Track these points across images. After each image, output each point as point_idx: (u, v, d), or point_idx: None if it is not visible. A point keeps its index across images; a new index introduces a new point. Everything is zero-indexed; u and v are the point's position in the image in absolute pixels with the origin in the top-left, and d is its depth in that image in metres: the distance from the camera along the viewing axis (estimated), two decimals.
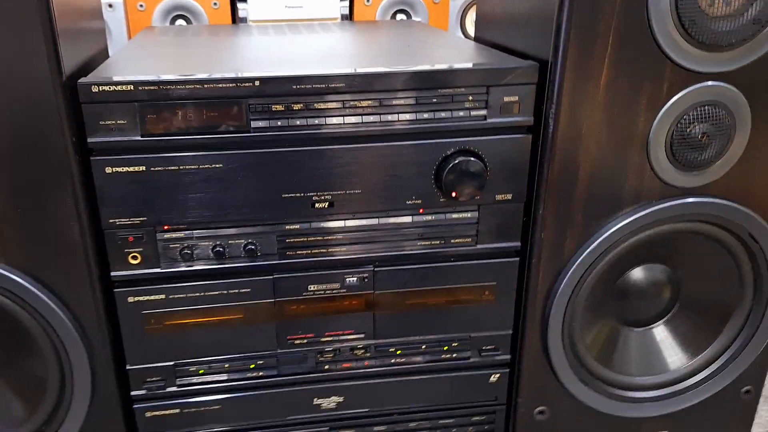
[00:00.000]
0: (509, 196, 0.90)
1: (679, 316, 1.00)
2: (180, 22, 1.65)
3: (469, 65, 0.85)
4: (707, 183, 0.89)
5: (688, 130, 0.85)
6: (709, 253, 0.95)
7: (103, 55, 1.02)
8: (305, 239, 0.88)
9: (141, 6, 1.61)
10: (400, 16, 1.74)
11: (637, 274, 0.98)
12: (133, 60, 0.94)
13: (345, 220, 0.88)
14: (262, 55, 0.99)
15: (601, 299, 0.96)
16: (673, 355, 1.01)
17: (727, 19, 0.79)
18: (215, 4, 1.65)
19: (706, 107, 0.84)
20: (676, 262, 0.97)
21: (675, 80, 0.83)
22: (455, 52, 1.00)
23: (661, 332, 1.01)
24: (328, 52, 1.02)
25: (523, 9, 0.93)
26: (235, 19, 1.68)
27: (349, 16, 1.70)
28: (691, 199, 0.89)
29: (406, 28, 1.29)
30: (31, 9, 0.71)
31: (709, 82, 0.84)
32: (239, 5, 1.66)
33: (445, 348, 0.97)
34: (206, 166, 0.82)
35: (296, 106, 0.81)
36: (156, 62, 0.95)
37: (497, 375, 0.99)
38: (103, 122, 0.78)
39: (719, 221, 0.91)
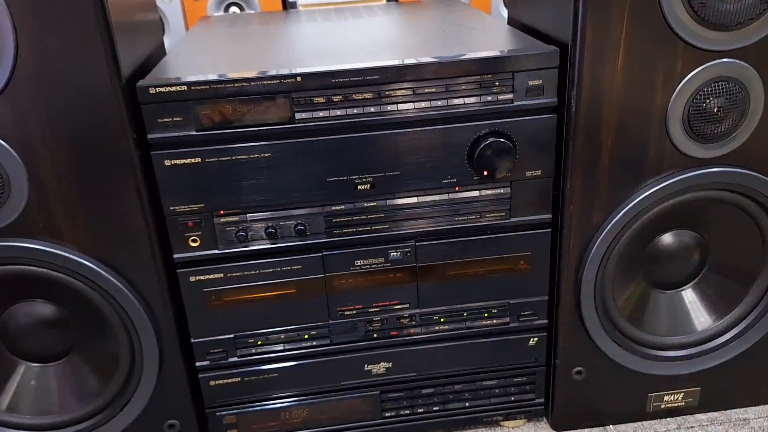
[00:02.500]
0: (538, 172, 0.93)
1: (707, 279, 1.02)
2: (233, 9, 1.68)
3: (495, 53, 0.88)
4: (726, 153, 0.91)
5: (703, 105, 0.87)
6: (733, 219, 0.96)
7: (160, 49, 1.07)
8: (350, 218, 0.92)
9: None
10: None
11: (666, 239, 1.00)
12: (187, 57, 0.99)
13: (386, 199, 0.92)
14: (306, 47, 1.03)
15: (631, 264, 0.99)
16: (701, 317, 1.03)
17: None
18: None
19: (720, 83, 0.86)
20: (702, 228, 0.99)
21: (688, 59, 0.84)
22: (487, 36, 1.02)
23: (689, 295, 1.03)
24: (367, 41, 1.05)
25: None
26: (286, 4, 1.70)
27: None
28: (710, 169, 0.91)
29: (445, 9, 1.31)
30: (89, 22, 0.76)
31: (721, 60, 0.85)
32: None
33: (485, 314, 1.00)
34: (256, 155, 0.86)
35: (336, 98, 0.85)
36: (208, 58, 1.00)
37: (535, 338, 1.03)
38: (161, 119, 0.83)
39: (739, 189, 0.92)
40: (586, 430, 1.08)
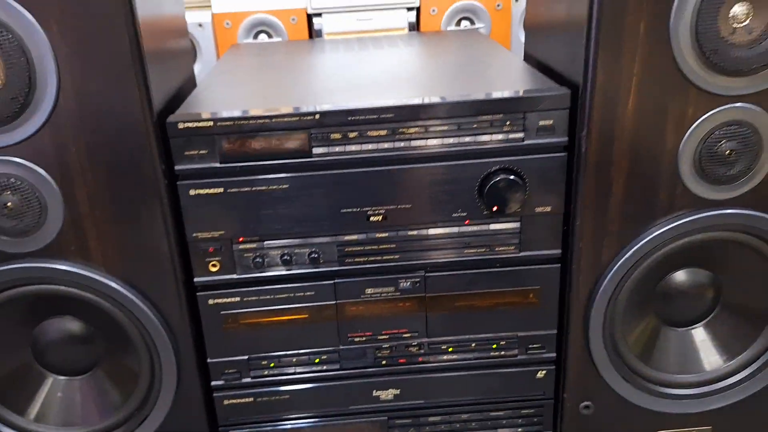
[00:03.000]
0: (548, 209, 0.95)
1: (719, 319, 1.02)
2: (262, 36, 1.75)
3: (507, 94, 0.91)
4: (739, 195, 0.91)
5: (715, 149, 0.88)
6: (746, 259, 0.96)
7: (191, 77, 1.13)
8: (362, 248, 0.96)
9: (227, 24, 1.73)
10: (464, 23, 1.78)
11: (679, 277, 1.00)
12: (215, 91, 1.05)
13: (397, 231, 0.95)
14: (327, 81, 1.07)
15: (642, 300, 1.00)
16: (712, 356, 1.03)
17: (748, 46, 0.82)
18: (293, 19, 1.74)
19: (732, 127, 0.87)
20: (716, 268, 0.99)
21: (700, 103, 0.86)
22: (502, 73, 1.05)
23: (700, 333, 1.03)
24: (386, 76, 1.08)
25: (559, 34, 0.97)
26: (311, 32, 1.76)
27: (416, 25, 1.75)
28: (722, 211, 0.91)
29: (465, 42, 1.34)
30: (126, 63, 0.82)
31: (734, 105, 0.86)
32: (315, 20, 1.74)
33: (494, 346, 1.02)
34: (275, 187, 0.91)
35: (351, 135, 0.89)
36: (235, 92, 1.05)
37: (543, 372, 1.04)
38: (188, 152, 0.88)
39: (752, 230, 0.93)
40: None
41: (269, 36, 1.74)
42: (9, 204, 0.85)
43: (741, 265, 0.97)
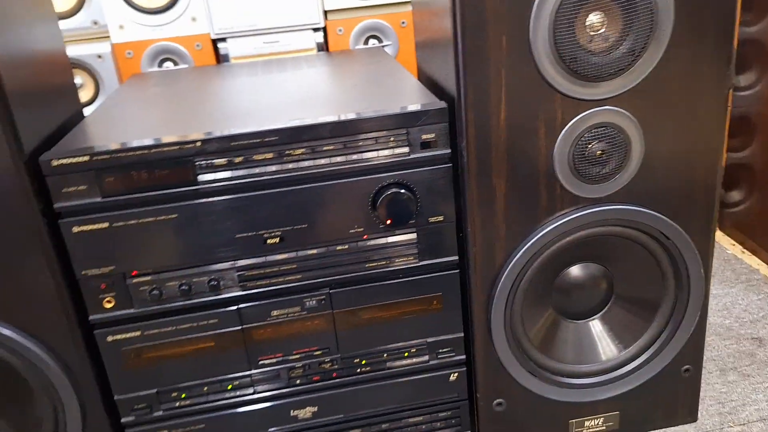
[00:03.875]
0: (441, 218, 0.95)
1: (614, 309, 1.05)
2: (168, 64, 1.70)
3: (388, 111, 0.90)
4: (616, 191, 0.93)
5: (586, 150, 0.89)
6: (632, 251, 0.99)
7: (77, 113, 1.08)
8: (262, 271, 0.94)
9: (129, 54, 1.67)
10: (372, 41, 1.78)
11: (574, 272, 1.02)
12: (101, 124, 1.01)
13: (296, 251, 0.94)
14: (218, 109, 1.04)
15: (540, 296, 1.01)
16: (608, 346, 1.05)
17: (606, 52, 0.83)
18: (198, 45, 1.70)
19: (599, 129, 0.89)
20: (606, 261, 1.01)
21: (566, 109, 0.87)
22: (393, 90, 1.05)
23: (597, 325, 1.06)
24: (281, 98, 1.06)
25: (437, 50, 0.98)
26: (218, 57, 1.72)
27: (324, 45, 1.73)
28: (600, 207, 0.93)
29: (367, 60, 1.34)
30: None
31: (598, 108, 0.88)
32: (220, 45, 1.70)
33: (405, 354, 1.02)
34: (163, 217, 0.88)
35: (237, 159, 0.88)
36: (121, 124, 1.01)
37: (455, 374, 1.05)
38: (66, 189, 0.85)
39: (632, 224, 0.95)
40: None
41: (175, 63, 1.70)
42: None
43: (628, 257, 1.00)
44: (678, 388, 1.09)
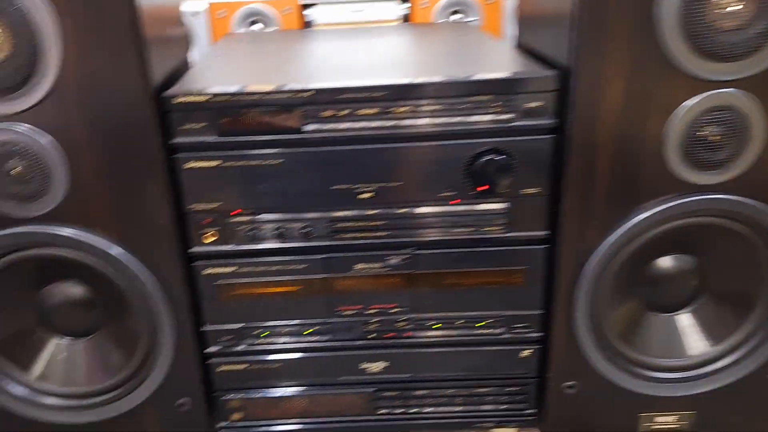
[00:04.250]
0: (535, 190, 0.95)
1: (704, 305, 1.02)
2: (256, 26, 1.76)
3: (496, 75, 0.91)
4: (725, 180, 0.90)
5: (701, 134, 0.87)
6: (732, 245, 0.96)
7: (185, 61, 1.15)
8: (352, 224, 0.97)
9: (221, 13, 1.75)
10: (455, 17, 1.78)
11: (664, 262, 1.00)
12: (211, 70, 1.07)
13: (386, 208, 0.96)
14: (320, 64, 1.09)
15: (627, 284, 0.99)
16: (696, 341, 1.02)
17: (735, 32, 0.81)
18: (288, 9, 1.75)
19: (718, 112, 0.86)
20: (701, 253, 0.99)
21: (685, 88, 0.85)
22: (493, 59, 1.06)
23: (685, 319, 1.03)
24: (377, 60, 1.10)
25: (548, 21, 0.97)
26: (303, 23, 1.77)
27: (407, 18, 1.75)
28: (707, 196, 0.91)
29: (456, 32, 1.35)
30: (126, 37, 0.84)
31: (720, 90, 0.85)
32: (306, 11, 1.75)
33: (479, 324, 1.03)
34: (269, 162, 0.93)
35: (342, 112, 0.91)
36: (230, 72, 1.07)
37: (528, 351, 1.05)
38: (184, 126, 0.91)
39: (738, 216, 0.92)
40: None
41: (263, 26, 1.76)
42: (15, 170, 0.88)
43: (726, 251, 0.97)
44: (761, 395, 1.04)
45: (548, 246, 0.99)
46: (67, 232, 0.92)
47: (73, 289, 0.99)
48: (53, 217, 0.92)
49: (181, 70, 1.07)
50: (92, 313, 1.00)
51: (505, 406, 1.09)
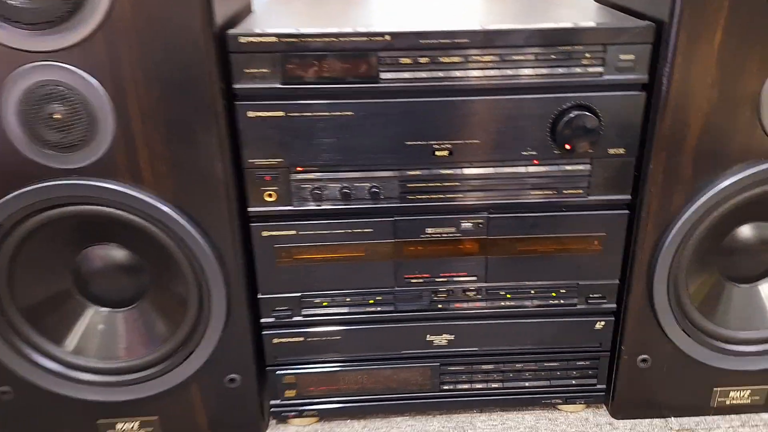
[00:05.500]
0: (621, 151, 0.88)
1: None
2: None
3: (589, 24, 0.83)
4: None
5: None
6: None
7: (247, 9, 1.05)
8: (425, 185, 0.88)
9: None
10: None
11: (745, 231, 0.94)
12: (276, 15, 0.97)
13: (462, 168, 0.88)
14: (395, 10, 0.99)
15: (707, 253, 0.93)
16: None
17: None
18: None
19: None
20: None
21: None
22: (576, 11, 0.97)
23: (766, 289, 0.97)
24: (457, 7, 1.01)
25: None
26: None
27: None
28: None
29: None
30: None
31: None
32: None
33: (553, 294, 0.96)
34: (338, 113, 0.83)
35: (422, 60, 0.82)
36: (296, 17, 0.97)
37: (602, 322, 0.98)
38: (248, 70, 0.80)
39: None
40: (646, 420, 1.03)
41: None
42: (56, 114, 0.77)
43: None
44: None
45: (630, 211, 0.92)
46: (111, 186, 0.81)
47: (115, 253, 0.89)
48: (96, 169, 0.81)
49: (243, 14, 0.96)
50: (135, 279, 0.90)
51: (574, 382, 1.02)
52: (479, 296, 0.95)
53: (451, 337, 0.97)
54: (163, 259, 0.87)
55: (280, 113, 0.83)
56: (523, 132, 0.86)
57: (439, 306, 0.96)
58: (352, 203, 0.89)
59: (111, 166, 0.81)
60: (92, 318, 0.92)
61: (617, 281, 0.96)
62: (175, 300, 0.89)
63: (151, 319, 0.91)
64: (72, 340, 0.91)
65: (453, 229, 0.91)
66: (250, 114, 0.82)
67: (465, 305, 0.96)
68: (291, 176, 0.87)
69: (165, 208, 0.83)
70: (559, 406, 1.04)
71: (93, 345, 0.91)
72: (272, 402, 0.99)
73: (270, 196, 0.87)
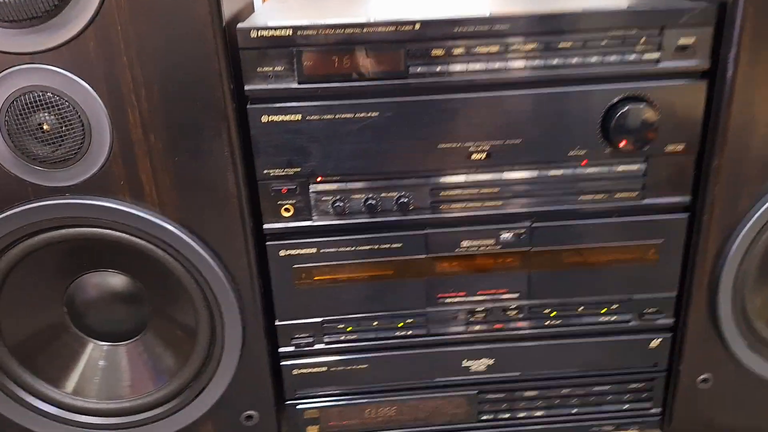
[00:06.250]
0: (680, 147, 0.78)
1: None
2: None
3: (644, 4, 0.73)
4: None
5: None
6: None
7: (250, 7, 0.95)
8: (460, 192, 0.79)
9: None
10: None
11: None
12: (282, 11, 0.87)
13: (502, 171, 0.78)
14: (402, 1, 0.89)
15: None
16: None
17: None
18: None
19: None
20: None
21: None
22: None
23: None
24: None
25: None
26: None
27: None
28: None
29: None
30: None
31: None
32: None
33: (603, 311, 0.86)
34: (362, 114, 0.74)
35: (456, 51, 0.72)
36: (310, 10, 0.87)
37: (659, 340, 0.88)
38: (260, 69, 0.71)
39: None
40: None
41: None
42: (44, 125, 0.68)
43: None
44: None
45: (690, 214, 0.82)
46: (108, 204, 0.72)
47: (113, 280, 0.79)
48: (91, 186, 0.72)
49: (246, 12, 0.86)
50: (137, 308, 0.80)
51: (626, 406, 0.91)
52: (521, 315, 0.85)
53: (491, 362, 0.87)
54: (168, 286, 0.77)
55: (297, 116, 0.73)
56: (571, 129, 0.76)
57: (477, 328, 0.85)
58: (379, 216, 0.79)
59: (108, 181, 0.72)
60: (92, 354, 0.82)
61: (675, 294, 0.86)
62: (183, 330, 0.80)
63: (157, 353, 0.81)
64: (70, 380, 0.81)
65: (492, 241, 0.81)
66: (264, 119, 0.73)
67: (505, 326, 0.86)
68: (310, 187, 0.77)
69: (170, 227, 0.73)
70: None
71: (93, 384, 0.81)
72: None
73: (287, 210, 0.77)
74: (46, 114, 0.67)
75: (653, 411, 0.92)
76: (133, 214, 0.72)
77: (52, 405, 0.80)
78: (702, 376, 0.88)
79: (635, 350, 0.88)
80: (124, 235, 0.73)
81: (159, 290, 0.79)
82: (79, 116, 0.68)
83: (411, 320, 0.84)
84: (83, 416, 0.80)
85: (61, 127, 0.68)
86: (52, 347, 0.80)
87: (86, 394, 0.81)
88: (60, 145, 0.69)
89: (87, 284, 0.79)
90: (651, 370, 0.90)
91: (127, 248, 0.74)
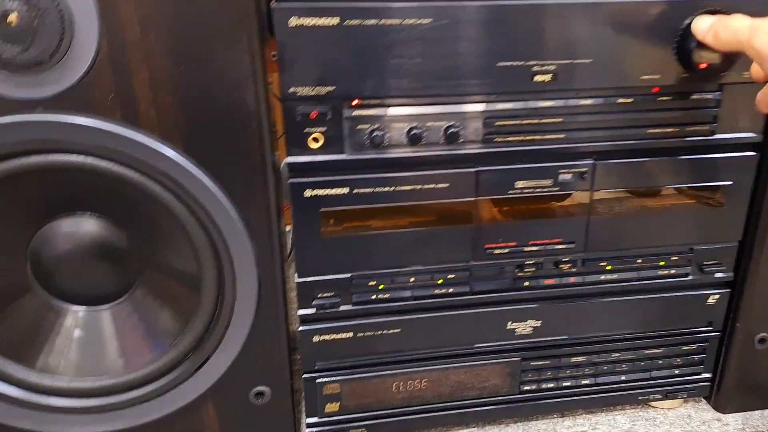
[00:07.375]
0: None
1: None
2: None
3: None
4: None
5: None
6: None
7: None
8: (518, 122, 0.67)
9: None
10: None
11: None
12: None
13: (568, 98, 0.67)
14: None
15: None
16: None
17: None
18: None
19: None
20: None
21: None
22: None
23: None
24: None
25: None
26: None
27: None
28: None
29: None
30: None
31: None
32: None
33: (662, 263, 0.76)
34: (412, 20, 0.61)
35: None
36: None
37: (716, 296, 0.79)
38: None
39: None
40: (757, 413, 0.85)
41: None
42: (10, 16, 0.51)
43: None
44: None
45: (761, 153, 0.73)
46: (92, 124, 0.56)
47: (91, 226, 0.62)
48: (69, 100, 0.55)
49: None
50: (124, 261, 0.64)
51: (677, 371, 0.83)
52: (574, 269, 0.75)
53: (537, 324, 0.76)
54: (164, 229, 0.61)
55: (334, 20, 0.59)
56: (645, 48, 0.66)
57: (525, 284, 0.74)
58: (423, 149, 0.66)
59: (92, 94, 0.55)
60: (66, 322, 0.65)
61: (737, 243, 0.77)
62: (182, 287, 0.64)
63: (149, 316, 0.65)
64: (36, 354, 0.64)
65: (549, 182, 0.70)
66: (294, 22, 0.58)
67: (557, 281, 0.75)
68: (344, 112, 0.63)
69: (170, 154, 0.58)
70: (652, 403, 0.85)
71: (68, 359, 0.65)
72: (308, 421, 0.75)
73: (316, 140, 0.63)
74: (13, 1, 0.51)
75: (704, 377, 0.84)
76: (123, 137, 0.56)
77: (14, 386, 0.63)
78: (760, 336, 0.80)
79: (691, 308, 0.79)
80: (108, 163, 0.57)
81: (148, 238, 0.63)
82: (58, 5, 0.52)
83: (452, 276, 0.72)
84: (55, 398, 0.64)
85: (32, 20, 0.51)
86: (13, 314, 0.63)
87: (59, 370, 0.64)
88: (30, 44, 0.52)
89: (56, 233, 0.62)
90: (706, 330, 0.81)
91: (111, 185, 0.58)
